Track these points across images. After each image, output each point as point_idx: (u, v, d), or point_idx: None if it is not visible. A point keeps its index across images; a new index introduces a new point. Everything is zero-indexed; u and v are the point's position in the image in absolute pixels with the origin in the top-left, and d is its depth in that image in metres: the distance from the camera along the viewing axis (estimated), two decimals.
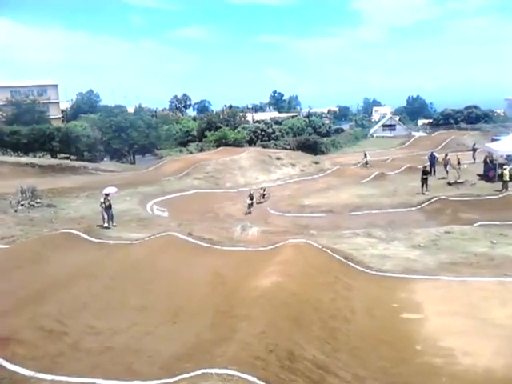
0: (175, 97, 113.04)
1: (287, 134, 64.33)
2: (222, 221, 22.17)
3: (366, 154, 39.08)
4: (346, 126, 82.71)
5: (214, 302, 10.47)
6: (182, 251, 14.09)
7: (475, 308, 10.39)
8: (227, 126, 62.10)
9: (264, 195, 28.61)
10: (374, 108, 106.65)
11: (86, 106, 78.97)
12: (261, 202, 27.75)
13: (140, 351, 8.48)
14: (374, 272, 12.79)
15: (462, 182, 28.45)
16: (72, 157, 47.79)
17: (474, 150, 38.83)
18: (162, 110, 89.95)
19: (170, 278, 12.12)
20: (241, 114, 73.21)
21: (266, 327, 8.53)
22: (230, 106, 76.06)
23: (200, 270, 12.63)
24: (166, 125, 66.69)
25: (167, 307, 10.41)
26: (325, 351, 8.47)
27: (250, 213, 24.66)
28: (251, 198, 25.02)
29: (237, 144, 52.85)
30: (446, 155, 28.96)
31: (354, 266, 13.10)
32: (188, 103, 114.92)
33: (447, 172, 30.25)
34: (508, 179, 25.78)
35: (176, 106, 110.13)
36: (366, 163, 38.10)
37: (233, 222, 19.68)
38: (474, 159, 37.31)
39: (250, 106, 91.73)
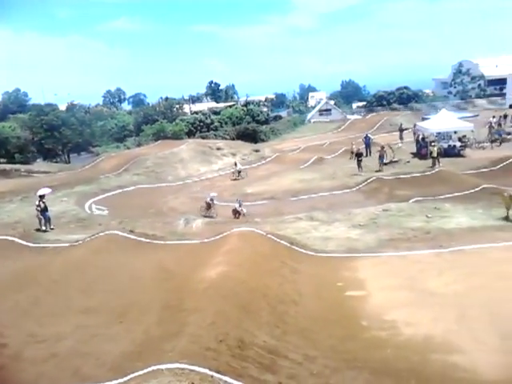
0: (108, 91, 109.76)
1: (226, 123, 64.11)
2: (165, 215, 21.84)
3: (236, 163, 32.15)
4: (283, 113, 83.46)
5: (161, 297, 10.35)
6: (124, 249, 13.80)
7: (414, 280, 10.89)
8: (164, 118, 61.06)
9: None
10: (310, 94, 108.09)
11: (13, 105, 74.91)
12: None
13: (87, 354, 8.27)
14: (319, 254, 13.09)
15: (396, 161, 29.50)
16: (1, 159, 45.39)
17: (401, 130, 40.32)
18: (96, 106, 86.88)
19: (115, 278, 11.86)
20: (178, 106, 72.14)
21: (215, 318, 8.53)
22: (167, 98, 74.69)
23: (145, 267, 12.43)
24: (101, 121, 64.69)
25: (113, 307, 10.19)
26: (275, 335, 8.60)
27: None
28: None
29: (176, 137, 52.02)
30: (383, 148, 29.57)
31: (299, 249, 13.34)
32: (122, 97, 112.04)
33: (381, 164, 28.54)
34: (436, 155, 27.12)
35: (110, 100, 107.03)
36: (239, 173, 31.01)
37: (176, 216, 19.47)
38: (402, 139, 38.76)
39: (186, 98, 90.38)
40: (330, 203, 21.46)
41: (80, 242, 14.76)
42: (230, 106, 78.49)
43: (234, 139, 52.60)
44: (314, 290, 10.91)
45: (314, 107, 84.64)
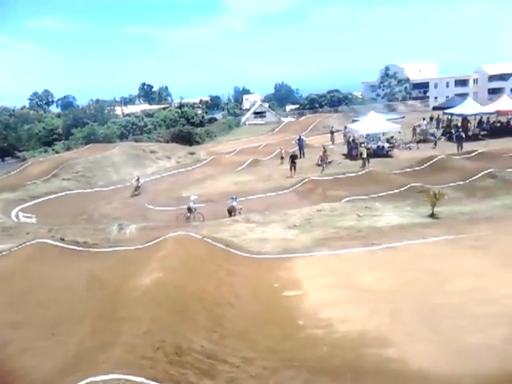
0: (35, 93, 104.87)
1: (160, 126, 63.19)
2: (98, 222, 21.14)
3: (138, 178, 29.46)
4: (218, 116, 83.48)
5: (94, 307, 9.95)
6: (54, 258, 13.16)
7: (348, 278, 11.18)
8: (95, 121, 59.23)
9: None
10: (245, 96, 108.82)
11: None
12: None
13: (16, 371, 7.80)
14: (255, 256, 13.14)
15: (329, 162, 30.32)
16: None
17: (332, 132, 41.54)
18: (22, 109, 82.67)
19: (45, 288, 11.27)
20: (109, 108, 70.16)
21: (150, 325, 8.31)
22: (97, 100, 72.48)
23: (76, 276, 11.91)
24: (27, 124, 61.64)
25: (43, 319, 9.68)
26: (213, 340, 8.51)
27: None
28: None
29: (107, 140, 50.60)
30: (325, 151, 30.02)
31: (236, 252, 13.32)
32: (50, 99, 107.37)
33: (322, 165, 29.38)
34: (365, 156, 28.22)
35: (37, 103, 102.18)
36: (137, 188, 28.73)
37: (109, 222, 18.87)
38: (333, 141, 39.96)
39: (118, 99, 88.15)
40: (266, 205, 21.68)
41: (6, 251, 13.92)
42: (164, 109, 77.48)
43: (168, 142, 51.90)
44: (251, 291, 10.92)
45: (248, 110, 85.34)
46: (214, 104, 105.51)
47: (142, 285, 10.17)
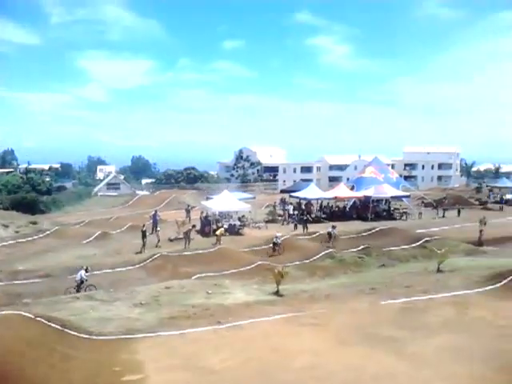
0: None
1: (0, 191, 57.81)
2: None
3: None
4: (68, 184, 79.45)
5: None
6: None
7: (193, 358, 10.87)
8: None
9: None
10: (99, 167, 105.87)
11: None
12: None
13: None
14: (95, 337, 12.18)
15: (182, 238, 30.25)
16: None
17: (188, 211, 41.95)
18: None
19: None
20: None
21: None
22: None
23: None
24: None
25: None
26: None
27: None
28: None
29: None
30: (183, 225, 29.67)
31: (73, 333, 12.21)
32: None
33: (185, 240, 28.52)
34: (219, 233, 28.84)
35: None
36: None
37: None
38: (189, 218, 40.37)
39: None
40: (112, 280, 20.56)
41: None
42: (8, 173, 71.47)
43: (8, 209, 47.40)
44: (88, 376, 9.98)
45: (102, 180, 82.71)
46: (64, 172, 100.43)
47: None
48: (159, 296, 16.28)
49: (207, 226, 32.98)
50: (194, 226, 30.73)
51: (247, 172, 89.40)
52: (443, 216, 41.20)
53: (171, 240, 29.88)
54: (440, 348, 11.42)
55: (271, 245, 26.08)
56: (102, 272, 22.31)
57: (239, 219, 35.56)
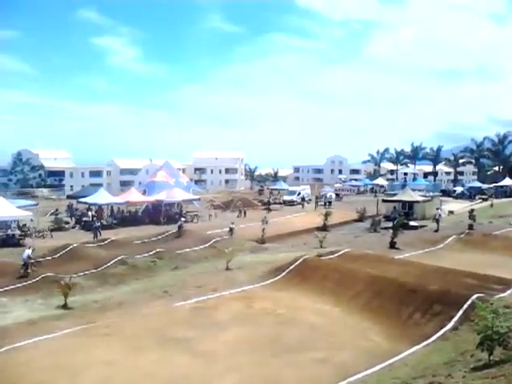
0: None
1: None
2: None
3: None
4: None
5: None
6: None
7: None
8: None
9: None
10: None
11: None
12: None
13: None
14: None
15: None
16: None
17: None
18: None
19: None
20: None
21: None
22: None
23: None
24: None
25: None
26: None
27: None
28: None
29: None
30: None
31: None
32: None
33: None
34: None
35: None
36: None
37: None
38: None
39: None
40: None
41: None
42: None
43: None
44: None
45: None
46: None
47: None
48: None
49: None
50: None
51: (28, 177, 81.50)
52: (237, 217, 43.47)
53: None
54: (229, 342, 12.21)
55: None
56: None
57: (20, 228, 32.04)
